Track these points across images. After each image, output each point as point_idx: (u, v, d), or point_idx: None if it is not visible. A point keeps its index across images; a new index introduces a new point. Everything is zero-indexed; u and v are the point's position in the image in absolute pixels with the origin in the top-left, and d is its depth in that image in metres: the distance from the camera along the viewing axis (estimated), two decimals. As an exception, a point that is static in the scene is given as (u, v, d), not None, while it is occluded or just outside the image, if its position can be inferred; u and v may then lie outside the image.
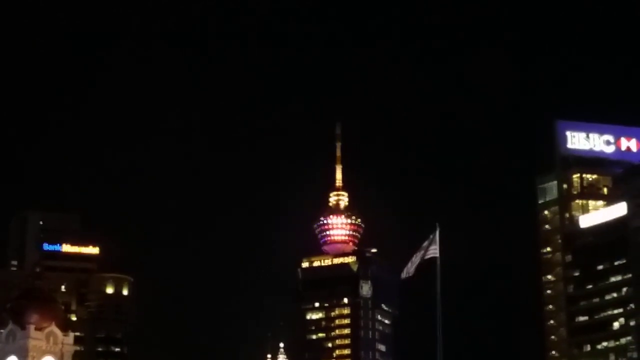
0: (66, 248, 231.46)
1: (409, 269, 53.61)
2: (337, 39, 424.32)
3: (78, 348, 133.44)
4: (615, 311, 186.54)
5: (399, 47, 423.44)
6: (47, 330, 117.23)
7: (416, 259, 52.69)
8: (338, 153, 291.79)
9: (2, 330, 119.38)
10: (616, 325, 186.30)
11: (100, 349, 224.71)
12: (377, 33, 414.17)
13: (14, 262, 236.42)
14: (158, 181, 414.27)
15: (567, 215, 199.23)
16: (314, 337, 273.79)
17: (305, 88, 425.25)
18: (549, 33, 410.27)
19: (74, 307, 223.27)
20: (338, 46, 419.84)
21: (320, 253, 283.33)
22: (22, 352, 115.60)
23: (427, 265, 51.11)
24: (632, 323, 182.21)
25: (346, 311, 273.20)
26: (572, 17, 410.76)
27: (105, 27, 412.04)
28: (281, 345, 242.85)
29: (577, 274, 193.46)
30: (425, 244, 52.21)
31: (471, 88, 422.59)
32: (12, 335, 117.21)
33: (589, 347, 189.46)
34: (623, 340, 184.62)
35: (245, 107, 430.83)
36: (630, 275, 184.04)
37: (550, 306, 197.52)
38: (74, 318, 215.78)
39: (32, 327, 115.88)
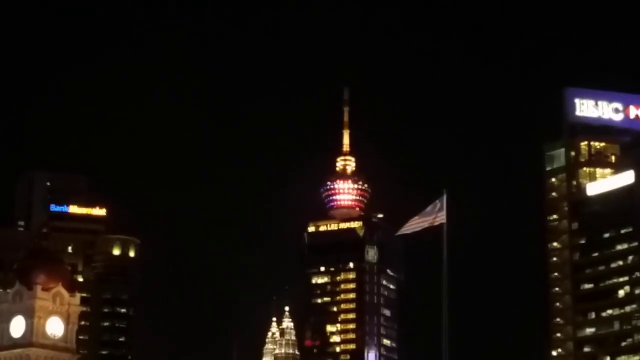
0: (73, 209, 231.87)
1: (405, 228, 53.34)
2: (347, 3, 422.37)
3: (84, 309, 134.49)
4: (621, 279, 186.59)
5: (408, 12, 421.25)
6: (53, 290, 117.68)
7: (418, 222, 52.31)
8: (345, 118, 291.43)
9: (9, 290, 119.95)
10: (621, 293, 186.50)
11: (106, 310, 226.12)
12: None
13: (21, 223, 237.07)
14: (166, 143, 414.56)
15: (574, 182, 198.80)
16: (319, 301, 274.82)
17: (314, 52, 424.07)
18: (559, 1, 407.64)
19: (80, 269, 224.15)
20: (347, 11, 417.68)
21: (326, 218, 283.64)
22: (29, 312, 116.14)
23: (433, 230, 50.99)
24: (637, 291, 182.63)
25: (352, 276, 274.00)
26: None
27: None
28: (286, 308, 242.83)
29: (583, 241, 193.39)
30: (429, 208, 51.98)
31: (480, 55, 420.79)
32: (19, 295, 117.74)
33: (593, 315, 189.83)
34: (628, 308, 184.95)
35: (254, 69, 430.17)
36: (636, 244, 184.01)
37: (556, 273, 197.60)
38: (80, 279, 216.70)
39: (38, 287, 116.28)
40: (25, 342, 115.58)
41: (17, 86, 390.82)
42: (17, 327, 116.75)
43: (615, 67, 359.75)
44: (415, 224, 52.79)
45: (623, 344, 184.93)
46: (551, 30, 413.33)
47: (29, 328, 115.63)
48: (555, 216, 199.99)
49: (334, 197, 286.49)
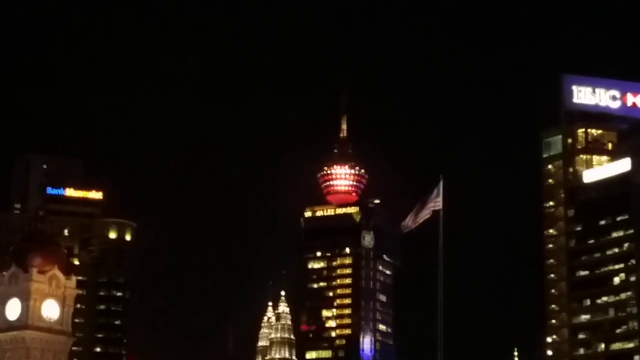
0: (69, 192, 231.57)
1: (408, 222, 53.43)
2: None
3: (80, 292, 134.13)
4: (616, 266, 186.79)
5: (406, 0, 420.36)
6: (49, 273, 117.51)
7: (420, 215, 52.43)
8: (344, 104, 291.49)
9: (4, 273, 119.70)
10: (616, 280, 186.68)
11: (102, 294, 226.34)
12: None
13: (17, 206, 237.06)
14: (162, 127, 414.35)
15: (570, 169, 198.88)
16: (315, 286, 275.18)
17: (312, 39, 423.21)
18: None
19: (76, 252, 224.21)
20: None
21: (323, 203, 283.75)
22: (24, 295, 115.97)
23: (430, 217, 51.04)
24: (632, 278, 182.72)
25: (348, 261, 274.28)
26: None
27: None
28: (282, 293, 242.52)
29: (579, 228, 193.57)
30: (429, 196, 52.05)
31: (477, 42, 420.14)
32: (15, 277, 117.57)
33: (588, 302, 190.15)
34: (623, 296, 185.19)
35: (251, 56, 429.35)
36: (632, 231, 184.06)
37: (551, 260, 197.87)
38: (76, 262, 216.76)
39: (34, 270, 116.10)
40: (21, 324, 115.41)
41: (13, 69, 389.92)
42: (13, 309, 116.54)
43: (612, 54, 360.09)
44: (418, 215, 52.93)
45: (618, 330, 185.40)
46: (549, 17, 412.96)
47: (25, 311, 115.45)
48: (551, 203, 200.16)
49: (331, 183, 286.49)
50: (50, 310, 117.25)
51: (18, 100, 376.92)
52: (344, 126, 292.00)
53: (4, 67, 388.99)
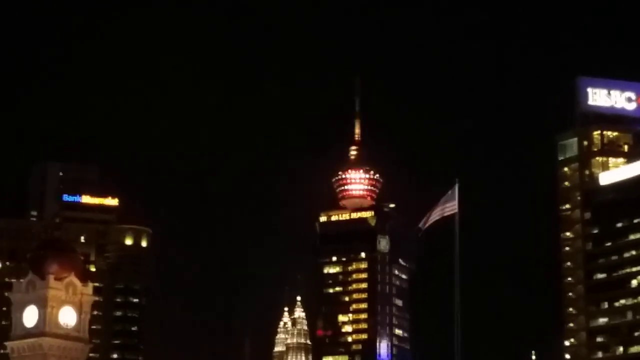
0: (85, 199, 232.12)
1: (422, 224, 53.43)
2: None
3: (97, 298, 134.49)
4: (634, 269, 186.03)
5: (417, 2, 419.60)
6: (66, 280, 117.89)
7: (434, 215, 52.44)
8: (357, 108, 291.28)
9: (22, 280, 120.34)
10: (634, 283, 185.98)
11: (118, 300, 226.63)
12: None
13: (34, 213, 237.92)
14: (178, 134, 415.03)
15: (586, 172, 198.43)
16: (331, 290, 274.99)
17: (326, 42, 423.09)
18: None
19: (93, 258, 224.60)
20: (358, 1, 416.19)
21: (338, 207, 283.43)
22: (42, 302, 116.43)
23: (445, 221, 51.00)
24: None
25: (363, 265, 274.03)
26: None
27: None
28: (298, 298, 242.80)
29: (595, 231, 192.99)
30: (443, 199, 52.04)
31: (493, 45, 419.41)
32: (32, 285, 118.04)
33: (606, 305, 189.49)
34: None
35: (267, 57, 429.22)
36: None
37: (569, 263, 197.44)
38: (93, 269, 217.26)
39: (51, 277, 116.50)
40: (38, 331, 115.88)
41: (28, 77, 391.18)
42: (30, 316, 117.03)
43: (627, 56, 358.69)
44: (432, 216, 52.87)
45: (636, 333, 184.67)
46: (564, 19, 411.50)
47: (42, 318, 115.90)
48: (567, 206, 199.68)
49: (346, 187, 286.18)
50: (68, 317, 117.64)
51: (33, 109, 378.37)
52: (358, 130, 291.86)
53: (19, 75, 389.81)
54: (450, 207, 50.47)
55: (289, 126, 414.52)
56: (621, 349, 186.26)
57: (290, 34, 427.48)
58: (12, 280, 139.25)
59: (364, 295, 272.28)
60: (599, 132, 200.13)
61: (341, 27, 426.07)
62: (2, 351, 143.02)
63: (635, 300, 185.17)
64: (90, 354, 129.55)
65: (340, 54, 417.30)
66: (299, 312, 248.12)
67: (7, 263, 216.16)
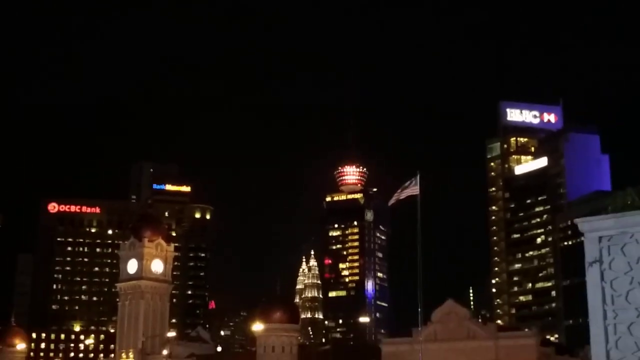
0: (168, 187, 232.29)
1: (392, 200, 52.98)
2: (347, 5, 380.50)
3: (177, 254, 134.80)
4: (538, 231, 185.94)
5: (417, 2, 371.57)
6: (156, 242, 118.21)
7: (401, 195, 51.96)
8: (350, 139, 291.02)
9: (126, 242, 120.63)
10: (539, 240, 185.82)
11: (191, 255, 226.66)
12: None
13: (133, 197, 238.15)
14: (227, 138, 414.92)
15: (506, 166, 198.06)
16: (334, 247, 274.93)
17: (326, 42, 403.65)
18: (497, 32, 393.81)
19: (173, 227, 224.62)
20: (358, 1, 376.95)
21: (338, 191, 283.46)
22: (139, 257, 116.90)
23: (412, 199, 50.79)
24: (549, 239, 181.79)
25: (356, 230, 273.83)
26: (515, 15, 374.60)
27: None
28: (312, 252, 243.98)
29: (512, 205, 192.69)
30: (407, 183, 51.61)
31: (492, 43, 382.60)
32: (133, 245, 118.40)
33: (520, 255, 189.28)
34: (543, 251, 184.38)
35: (267, 57, 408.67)
36: (548, 207, 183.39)
37: (494, 227, 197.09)
38: (173, 234, 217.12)
39: (146, 239, 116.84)
40: (138, 276, 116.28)
41: (129, 94, 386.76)
42: (132, 266, 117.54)
43: (534, 83, 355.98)
44: (399, 195, 52.56)
45: (540, 274, 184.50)
46: (564, 19, 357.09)
47: (140, 267, 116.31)
48: (493, 189, 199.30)
49: (343, 178, 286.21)
50: (157, 266, 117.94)
51: (134, 121, 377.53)
52: (352, 139, 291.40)
53: (123, 92, 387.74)
54: (414, 189, 50.18)
55: (304, 132, 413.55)
56: (530, 284, 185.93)
57: (290, 34, 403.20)
58: (120, 242, 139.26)
59: (356, 251, 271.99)
60: (514, 138, 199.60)
61: (341, 27, 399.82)
62: (114, 290, 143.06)
63: (540, 252, 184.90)
64: (173, 291, 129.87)
65: (329, 51, 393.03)
66: (313, 262, 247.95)
67: (117, 231, 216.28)
